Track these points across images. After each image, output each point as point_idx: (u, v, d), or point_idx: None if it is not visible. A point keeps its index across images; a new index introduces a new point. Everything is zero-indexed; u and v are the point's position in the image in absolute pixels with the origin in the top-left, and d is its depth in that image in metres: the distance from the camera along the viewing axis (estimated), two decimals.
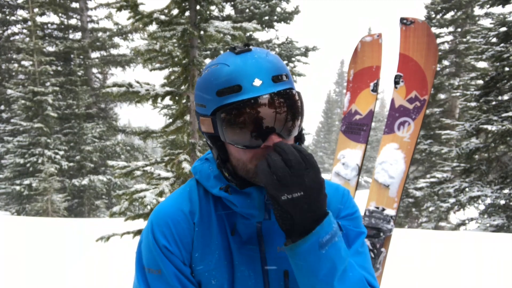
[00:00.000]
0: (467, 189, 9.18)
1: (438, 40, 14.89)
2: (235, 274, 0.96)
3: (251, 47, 0.91)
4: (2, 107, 17.55)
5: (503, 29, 8.85)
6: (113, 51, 17.97)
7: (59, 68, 16.69)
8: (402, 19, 2.51)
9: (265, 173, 0.80)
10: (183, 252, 0.94)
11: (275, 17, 12.31)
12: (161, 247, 0.93)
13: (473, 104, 9.66)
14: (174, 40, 3.93)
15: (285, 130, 0.88)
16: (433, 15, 14.42)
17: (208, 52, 11.43)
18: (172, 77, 4.33)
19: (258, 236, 0.97)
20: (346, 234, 1.00)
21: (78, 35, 17.58)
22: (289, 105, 0.87)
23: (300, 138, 0.99)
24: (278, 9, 12.28)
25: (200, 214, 0.97)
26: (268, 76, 0.86)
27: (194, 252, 0.96)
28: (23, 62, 15.41)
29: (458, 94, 12.56)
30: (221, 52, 11.53)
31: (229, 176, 0.95)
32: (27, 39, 15.35)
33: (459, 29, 14.82)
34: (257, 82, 0.85)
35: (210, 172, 0.99)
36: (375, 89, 2.69)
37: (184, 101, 4.00)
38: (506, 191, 8.84)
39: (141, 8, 3.71)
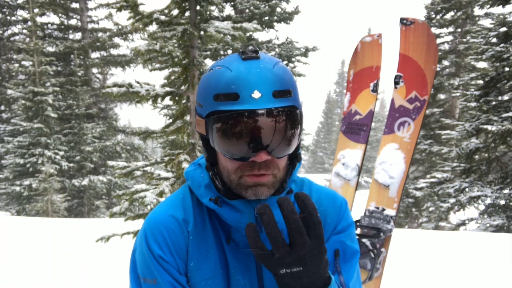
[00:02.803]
0: (467, 189, 9.17)
1: (438, 40, 14.89)
2: (231, 283, 0.95)
3: (260, 54, 0.86)
4: (2, 107, 17.54)
5: (503, 29, 8.84)
6: (113, 51, 17.96)
7: (59, 68, 16.69)
8: (402, 19, 2.51)
9: (258, 247, 0.73)
10: (178, 261, 0.93)
11: (275, 17, 12.30)
12: (156, 256, 0.91)
13: (473, 104, 9.67)
14: (174, 40, 3.94)
15: (276, 149, 0.83)
16: (433, 15, 14.42)
17: (208, 53, 11.43)
18: (172, 77, 4.33)
19: None
20: (343, 250, 0.99)
21: (78, 35, 17.57)
22: (286, 124, 0.82)
23: (296, 156, 0.94)
24: (278, 9, 12.27)
25: (194, 223, 0.95)
26: (269, 89, 0.81)
27: (190, 261, 0.94)
28: (23, 62, 15.41)
29: (458, 94, 12.57)
30: (221, 52, 11.54)
31: (218, 185, 0.92)
32: (27, 39, 15.35)
33: (459, 29, 14.82)
34: (256, 94, 0.80)
35: (201, 180, 0.97)
36: (375, 89, 2.69)
37: (184, 101, 4.01)
38: (506, 191, 8.84)
39: (141, 8, 3.72)
